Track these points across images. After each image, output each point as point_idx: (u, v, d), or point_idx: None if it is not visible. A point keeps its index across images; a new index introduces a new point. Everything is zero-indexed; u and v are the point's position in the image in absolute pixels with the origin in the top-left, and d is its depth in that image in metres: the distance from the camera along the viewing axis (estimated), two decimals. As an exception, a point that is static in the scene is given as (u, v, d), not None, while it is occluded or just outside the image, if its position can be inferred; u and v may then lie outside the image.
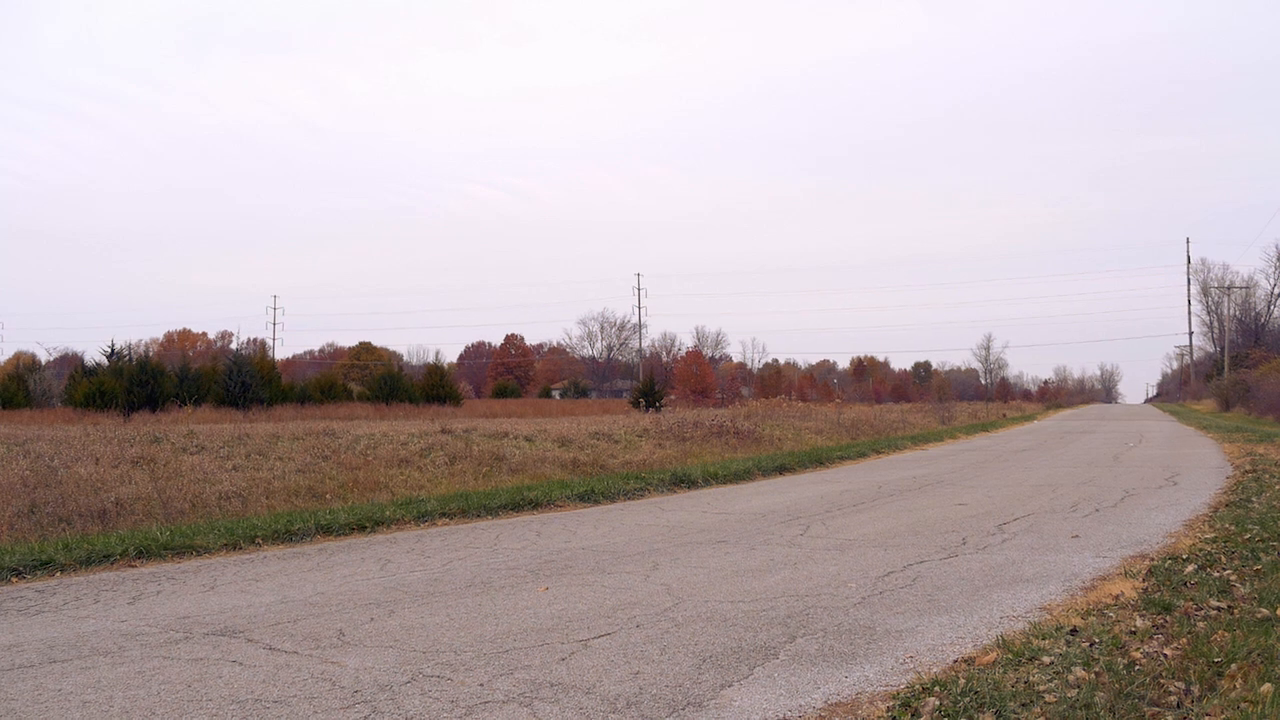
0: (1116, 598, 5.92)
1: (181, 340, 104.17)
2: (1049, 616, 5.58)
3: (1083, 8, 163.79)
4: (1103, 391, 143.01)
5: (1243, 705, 3.80)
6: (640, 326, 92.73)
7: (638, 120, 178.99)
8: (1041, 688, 4.11)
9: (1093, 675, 4.24)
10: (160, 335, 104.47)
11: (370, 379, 58.05)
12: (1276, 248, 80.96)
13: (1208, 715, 3.77)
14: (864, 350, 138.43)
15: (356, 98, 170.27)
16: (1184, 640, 4.75)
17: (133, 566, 8.09)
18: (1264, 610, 5.25)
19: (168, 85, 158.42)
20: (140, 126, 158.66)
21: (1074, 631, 5.05)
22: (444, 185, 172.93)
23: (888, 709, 4.04)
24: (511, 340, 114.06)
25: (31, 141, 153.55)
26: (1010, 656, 4.62)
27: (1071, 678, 4.22)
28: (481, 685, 4.46)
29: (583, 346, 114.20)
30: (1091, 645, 4.76)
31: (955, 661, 4.69)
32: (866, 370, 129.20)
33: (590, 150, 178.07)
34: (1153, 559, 7.23)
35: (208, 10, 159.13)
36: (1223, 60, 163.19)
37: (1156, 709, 3.85)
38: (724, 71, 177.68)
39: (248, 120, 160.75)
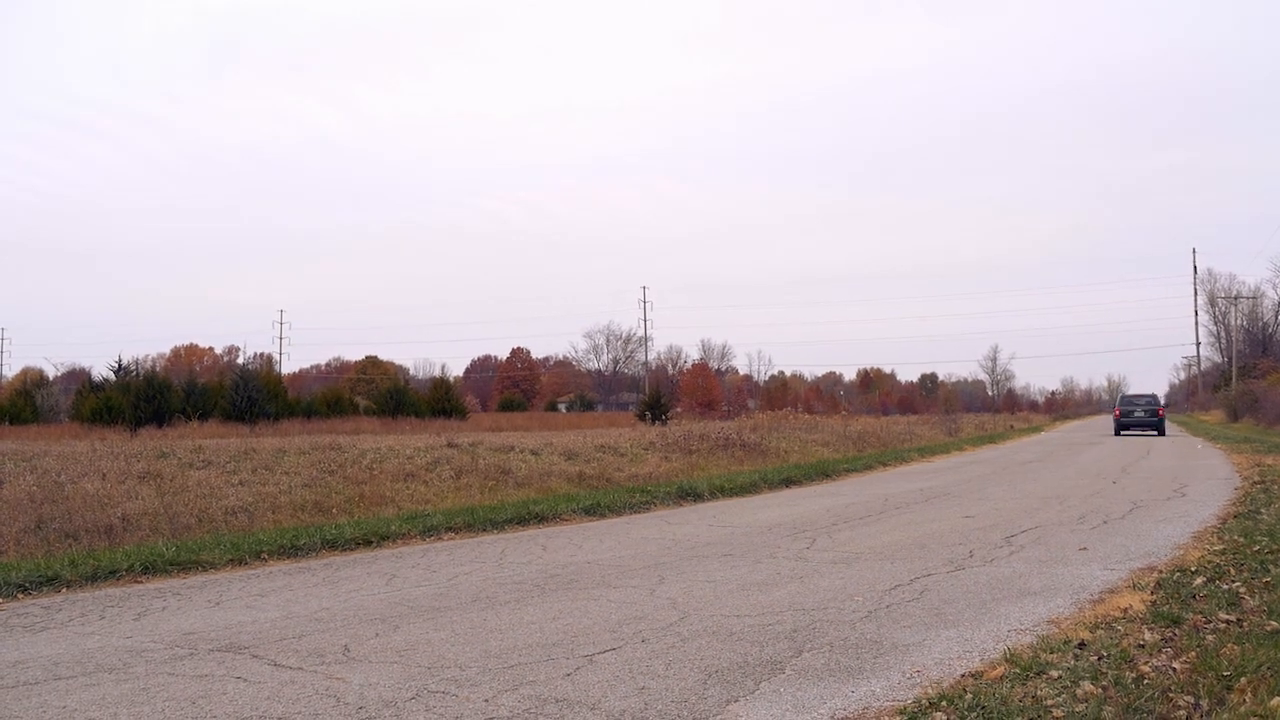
0: (1125, 611, 5.88)
1: (188, 355, 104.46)
2: (1057, 630, 5.55)
3: (1093, 26, 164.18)
4: (1110, 402, 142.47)
5: (1252, 719, 3.77)
6: (646, 339, 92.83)
7: (654, 138, 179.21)
8: (1049, 702, 4.09)
9: (1101, 690, 4.21)
10: (167, 350, 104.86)
11: (376, 393, 58.18)
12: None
13: (1217, 730, 3.74)
14: (870, 362, 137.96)
15: (370, 113, 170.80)
16: (1193, 654, 4.71)
17: (139, 582, 8.10)
18: (1273, 623, 5.22)
19: (183, 100, 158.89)
20: (154, 142, 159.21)
21: (1082, 645, 5.02)
22: (453, 199, 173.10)
23: (894, 724, 4.02)
24: (518, 354, 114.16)
25: (44, 156, 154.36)
26: (1018, 671, 4.60)
27: (1080, 692, 4.20)
28: (486, 701, 4.45)
29: (589, 360, 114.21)
30: (1100, 659, 4.73)
31: (963, 676, 4.67)
32: (873, 382, 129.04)
33: (604, 166, 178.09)
34: (1161, 571, 7.18)
35: (228, 26, 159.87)
36: (1229, 77, 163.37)
37: (1165, 724, 3.83)
38: (742, 89, 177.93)
39: (262, 136, 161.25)
